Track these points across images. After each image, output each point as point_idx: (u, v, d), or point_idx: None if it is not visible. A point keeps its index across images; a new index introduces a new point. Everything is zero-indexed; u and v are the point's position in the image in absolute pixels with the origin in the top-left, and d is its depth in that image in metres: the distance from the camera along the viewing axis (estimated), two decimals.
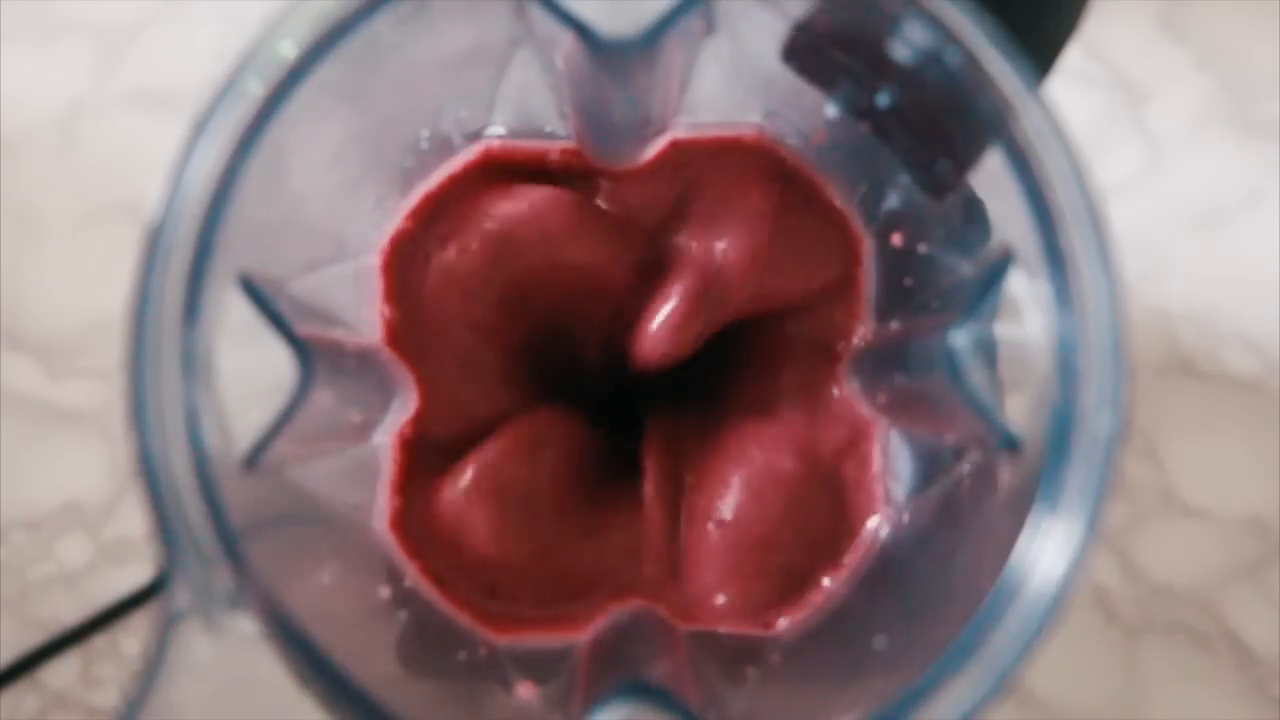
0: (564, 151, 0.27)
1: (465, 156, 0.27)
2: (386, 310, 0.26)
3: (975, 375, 0.21)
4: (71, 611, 0.35)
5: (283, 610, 0.20)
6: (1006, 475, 0.21)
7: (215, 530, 0.20)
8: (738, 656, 0.24)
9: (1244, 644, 0.34)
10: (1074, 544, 0.18)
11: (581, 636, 0.26)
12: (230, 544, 0.20)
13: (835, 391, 0.26)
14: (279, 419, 0.21)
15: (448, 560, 0.25)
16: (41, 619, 0.35)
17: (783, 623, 0.25)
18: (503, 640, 0.25)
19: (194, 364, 0.19)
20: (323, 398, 0.22)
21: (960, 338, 0.21)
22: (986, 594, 0.19)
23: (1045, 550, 0.18)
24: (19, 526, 0.35)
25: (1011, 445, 0.20)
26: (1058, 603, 0.18)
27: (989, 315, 0.21)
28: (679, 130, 0.27)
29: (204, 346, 0.20)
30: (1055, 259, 0.19)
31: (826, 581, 0.25)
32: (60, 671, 0.35)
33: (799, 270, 0.27)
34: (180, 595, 0.19)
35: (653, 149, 0.27)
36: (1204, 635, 0.34)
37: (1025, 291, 0.20)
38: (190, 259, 0.19)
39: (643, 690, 0.19)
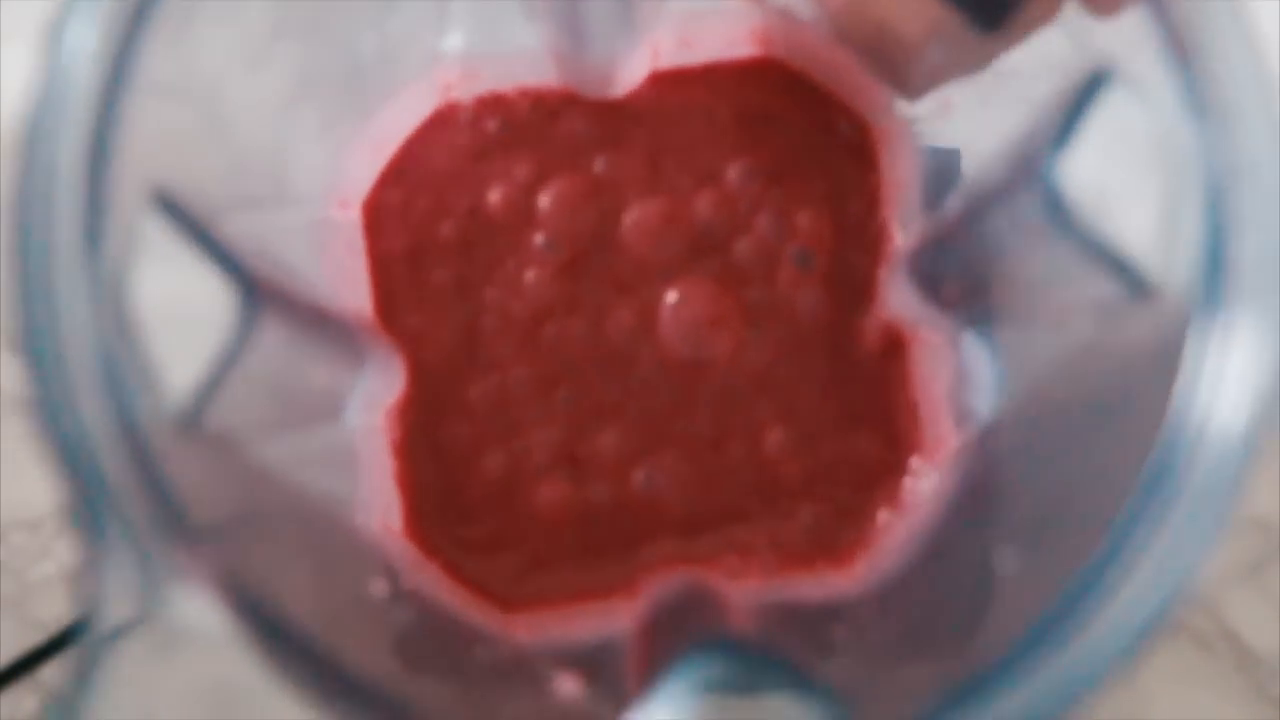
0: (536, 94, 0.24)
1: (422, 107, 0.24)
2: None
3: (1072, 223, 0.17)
4: (71, 611, 0.33)
5: (260, 607, 0.15)
6: (1140, 330, 0.17)
7: (151, 507, 0.15)
8: (820, 618, 0.20)
9: (1244, 644, 0.33)
10: (1266, 363, 0.14)
11: (619, 625, 0.22)
12: (174, 527, 0.15)
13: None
14: (222, 361, 0.16)
15: (492, 540, 0.23)
16: (41, 619, 0.34)
17: (858, 567, 0.21)
18: (522, 634, 0.22)
19: (103, 294, 0.15)
20: (273, 338, 0.17)
21: (1057, 175, 0.17)
22: (1140, 469, 0.15)
23: (1222, 389, 0.14)
24: (19, 526, 0.35)
25: (1142, 289, 0.16)
26: (1256, 440, 0.14)
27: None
28: (668, 20, 0.23)
29: (115, 273, 0.15)
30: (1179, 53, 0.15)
31: (883, 516, 0.22)
32: (60, 672, 0.34)
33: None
34: (112, 606, 0.15)
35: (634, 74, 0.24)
36: (1204, 635, 0.33)
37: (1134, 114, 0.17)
38: (85, 156, 0.15)
39: (723, 646, 0.15)
